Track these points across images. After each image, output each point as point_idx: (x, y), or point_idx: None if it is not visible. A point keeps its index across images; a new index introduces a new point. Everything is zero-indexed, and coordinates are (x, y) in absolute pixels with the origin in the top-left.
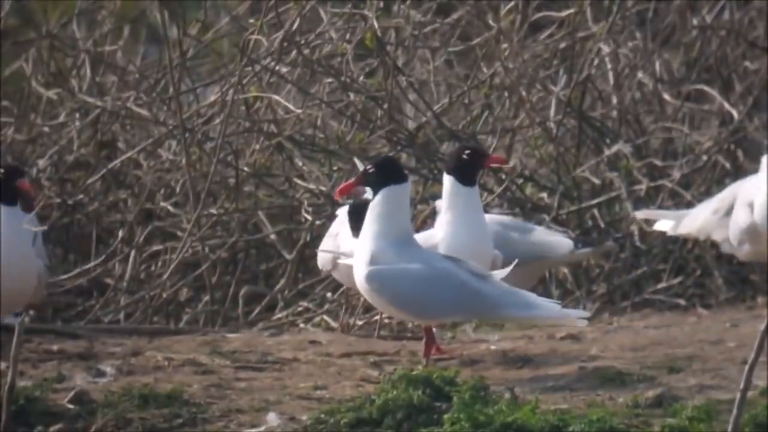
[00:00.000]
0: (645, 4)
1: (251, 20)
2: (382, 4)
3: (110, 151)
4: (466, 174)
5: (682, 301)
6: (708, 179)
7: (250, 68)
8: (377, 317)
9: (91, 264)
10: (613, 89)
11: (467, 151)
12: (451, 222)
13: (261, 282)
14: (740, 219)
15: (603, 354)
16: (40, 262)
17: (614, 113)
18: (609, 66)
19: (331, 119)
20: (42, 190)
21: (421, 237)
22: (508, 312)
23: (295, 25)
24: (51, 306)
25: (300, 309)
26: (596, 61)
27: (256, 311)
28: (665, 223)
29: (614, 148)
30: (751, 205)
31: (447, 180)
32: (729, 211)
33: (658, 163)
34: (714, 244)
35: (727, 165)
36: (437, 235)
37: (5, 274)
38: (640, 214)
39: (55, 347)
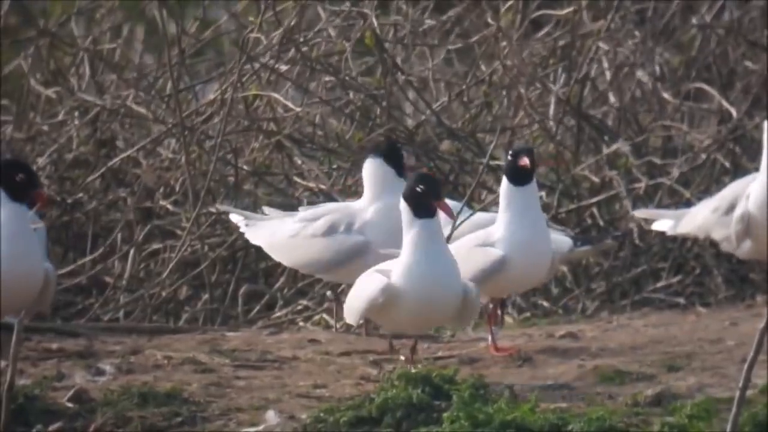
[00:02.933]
0: (644, 3)
1: (250, 18)
2: (377, 2)
3: (109, 149)
4: (516, 174)
5: (681, 300)
6: (707, 177)
7: (249, 66)
8: None
9: (88, 258)
10: (613, 88)
11: (510, 152)
12: (510, 221)
13: (260, 280)
14: (736, 212)
15: (602, 352)
16: (47, 263)
17: (613, 112)
18: (607, 65)
19: (331, 117)
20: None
21: (480, 236)
22: None
23: (293, 23)
24: (51, 305)
25: (299, 307)
26: (595, 60)
27: (256, 310)
28: (664, 223)
29: (613, 146)
30: (747, 197)
31: (503, 181)
32: (729, 210)
33: (658, 161)
34: (713, 243)
35: (727, 163)
36: (494, 234)
37: (6, 272)
38: (640, 213)
39: (54, 346)
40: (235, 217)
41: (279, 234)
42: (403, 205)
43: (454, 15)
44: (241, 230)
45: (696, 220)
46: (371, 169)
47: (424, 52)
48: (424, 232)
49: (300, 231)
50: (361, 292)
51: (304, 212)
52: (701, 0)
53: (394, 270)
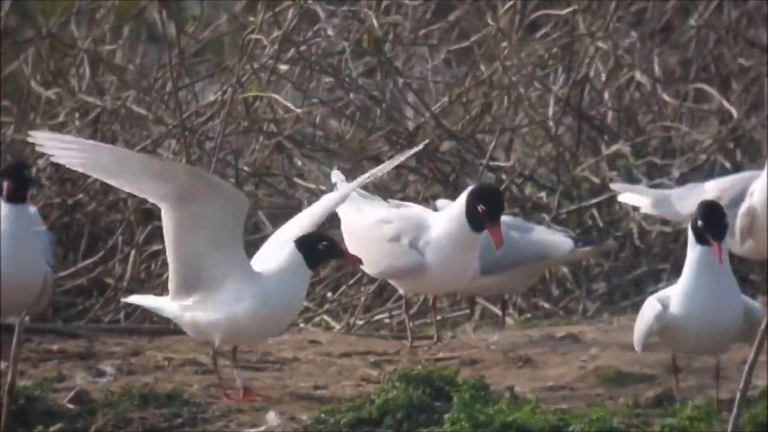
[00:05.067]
0: (642, 3)
1: (251, 18)
2: (376, 2)
3: None
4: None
5: None
6: (708, 178)
7: (249, 67)
8: (378, 317)
9: (88, 261)
10: (612, 88)
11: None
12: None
13: None
14: (743, 207)
15: (603, 354)
16: (46, 266)
17: (613, 112)
18: (605, 65)
19: (331, 118)
20: (42, 189)
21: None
22: None
23: (293, 24)
24: (51, 305)
25: None
26: (595, 60)
27: None
28: (639, 199)
29: (613, 147)
30: (751, 195)
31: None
32: (732, 204)
33: (658, 161)
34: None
35: (727, 164)
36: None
37: (6, 273)
38: (615, 187)
39: (55, 347)
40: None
41: (358, 222)
42: (689, 230)
43: (454, 18)
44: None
45: (687, 206)
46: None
47: (423, 53)
48: (704, 258)
49: (372, 228)
50: (641, 319)
51: (388, 210)
52: (698, 0)
53: (672, 296)
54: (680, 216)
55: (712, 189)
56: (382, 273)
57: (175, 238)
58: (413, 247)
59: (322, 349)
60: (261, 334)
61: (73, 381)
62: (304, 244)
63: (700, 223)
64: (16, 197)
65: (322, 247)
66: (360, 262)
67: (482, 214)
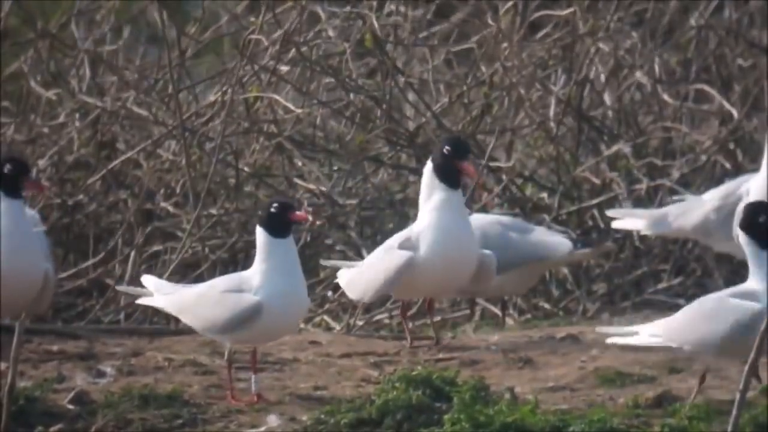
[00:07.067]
0: (643, 3)
1: (252, 18)
2: (377, 3)
3: (110, 151)
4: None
5: (682, 302)
6: (708, 179)
7: (249, 68)
8: (378, 317)
9: (90, 262)
10: (611, 89)
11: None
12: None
13: None
14: (739, 206)
15: (603, 354)
16: (47, 263)
17: (613, 113)
18: (606, 66)
19: (331, 119)
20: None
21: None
22: None
23: (294, 25)
24: (51, 306)
25: None
26: (595, 61)
27: None
28: (636, 222)
29: (614, 147)
30: (747, 193)
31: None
32: (735, 208)
33: (658, 162)
34: (696, 241)
35: (727, 164)
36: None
37: (5, 268)
38: (612, 213)
39: (55, 347)
40: None
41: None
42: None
43: (455, 19)
44: None
45: (690, 219)
46: (424, 180)
47: (424, 53)
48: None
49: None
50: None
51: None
52: (699, 0)
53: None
54: (684, 231)
55: (711, 199)
56: (384, 283)
57: None
58: (404, 248)
59: (322, 350)
60: (276, 323)
61: (73, 382)
62: (261, 219)
63: (762, 219)
64: (14, 192)
65: (274, 210)
66: (305, 218)
67: (449, 156)
